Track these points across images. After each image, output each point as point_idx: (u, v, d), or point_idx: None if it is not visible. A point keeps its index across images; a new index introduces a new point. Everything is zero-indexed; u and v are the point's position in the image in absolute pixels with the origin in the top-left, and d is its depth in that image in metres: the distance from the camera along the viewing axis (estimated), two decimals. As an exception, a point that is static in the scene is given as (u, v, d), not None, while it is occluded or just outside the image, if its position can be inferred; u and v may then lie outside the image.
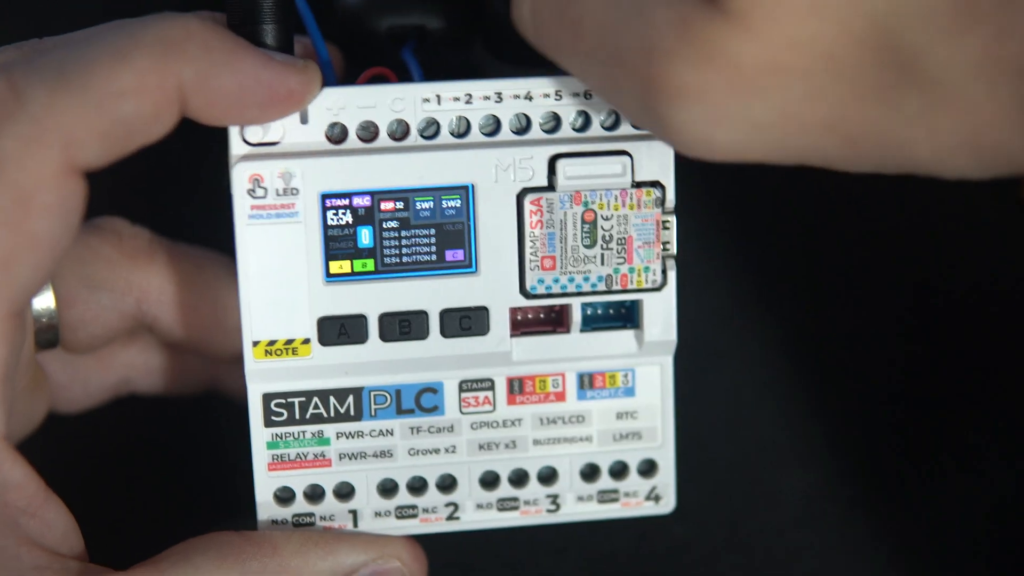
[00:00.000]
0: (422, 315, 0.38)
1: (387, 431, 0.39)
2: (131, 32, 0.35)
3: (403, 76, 0.39)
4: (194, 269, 0.42)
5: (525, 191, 0.37)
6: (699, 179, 0.40)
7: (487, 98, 0.37)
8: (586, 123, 0.38)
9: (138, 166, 0.38)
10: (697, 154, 0.32)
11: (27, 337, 0.38)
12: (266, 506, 0.39)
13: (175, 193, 0.47)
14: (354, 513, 0.39)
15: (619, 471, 0.40)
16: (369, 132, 0.37)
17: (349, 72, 0.40)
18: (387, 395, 0.39)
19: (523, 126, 0.38)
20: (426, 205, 0.37)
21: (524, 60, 0.38)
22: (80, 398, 0.43)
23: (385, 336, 0.38)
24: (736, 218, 0.48)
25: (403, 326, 0.38)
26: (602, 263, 0.38)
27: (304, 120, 0.37)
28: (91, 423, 0.43)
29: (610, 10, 0.32)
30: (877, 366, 0.48)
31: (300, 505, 0.39)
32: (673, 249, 0.38)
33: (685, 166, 0.38)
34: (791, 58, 0.30)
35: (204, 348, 0.42)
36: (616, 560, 0.47)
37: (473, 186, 0.37)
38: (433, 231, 0.38)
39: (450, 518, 0.39)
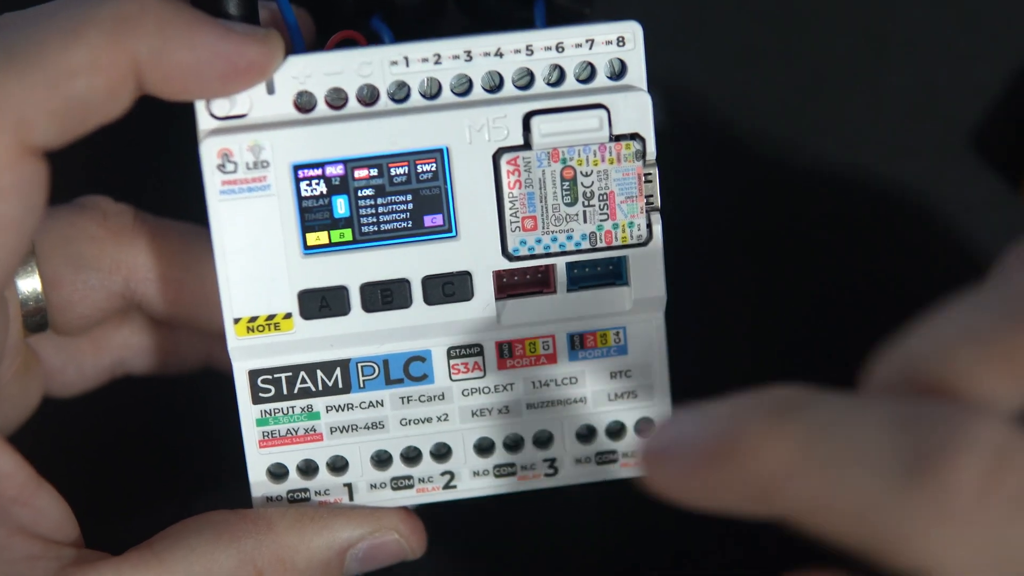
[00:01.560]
0: (404, 283, 0.37)
1: (377, 402, 0.38)
2: (84, 8, 0.34)
3: (373, 40, 0.38)
4: (180, 244, 0.41)
5: (501, 151, 0.37)
6: (678, 128, 0.39)
7: (456, 57, 0.36)
8: (560, 77, 0.37)
9: (112, 142, 0.38)
10: None
11: (12, 320, 0.37)
12: (260, 483, 0.38)
13: (153, 168, 0.47)
14: (349, 486, 0.39)
15: (616, 431, 0.39)
16: (338, 99, 0.36)
17: (319, 36, 0.39)
18: (375, 366, 0.38)
19: (495, 84, 0.37)
20: (401, 171, 0.37)
21: (497, 17, 0.37)
22: (75, 381, 0.42)
23: (368, 306, 0.37)
24: (720, 166, 0.47)
25: (385, 295, 0.37)
26: (585, 220, 0.37)
27: (271, 90, 0.36)
28: (83, 407, 0.43)
29: None
30: (868, 312, 0.47)
31: (294, 481, 0.38)
32: (657, 202, 0.37)
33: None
34: None
35: (194, 323, 0.42)
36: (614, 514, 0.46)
37: (448, 148, 0.37)
38: (410, 196, 0.37)
39: (447, 487, 0.39)
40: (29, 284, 0.39)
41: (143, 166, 0.47)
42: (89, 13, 0.34)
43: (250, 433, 0.38)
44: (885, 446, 0.27)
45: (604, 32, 0.37)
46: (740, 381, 0.47)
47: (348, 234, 0.37)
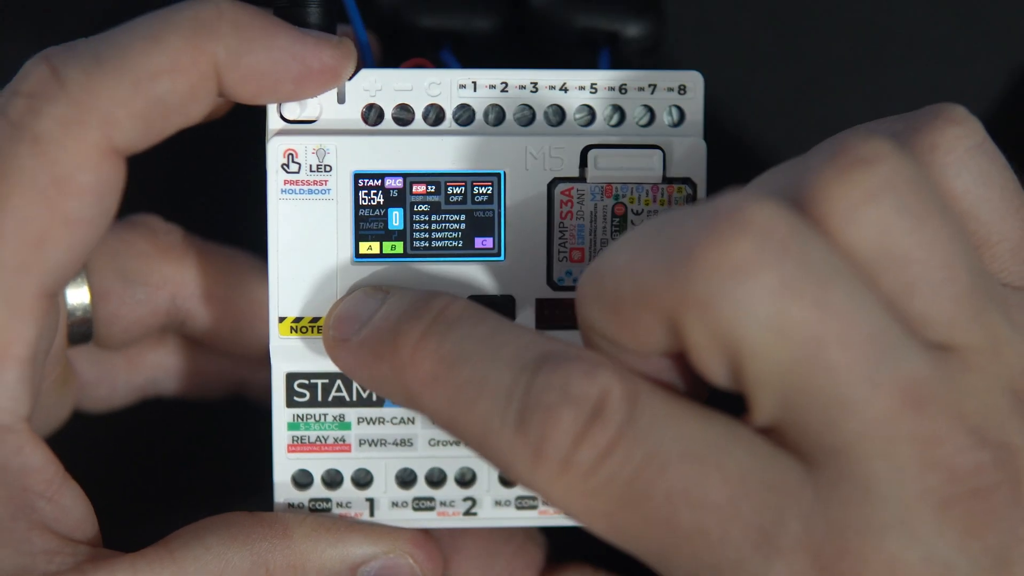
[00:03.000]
0: None
1: (408, 419, 0.39)
2: (165, 16, 0.36)
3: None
4: (225, 266, 0.42)
5: (556, 180, 0.38)
6: (732, 178, 0.40)
7: (523, 87, 0.38)
8: (621, 119, 0.38)
9: (167, 164, 0.39)
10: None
11: (59, 327, 0.38)
12: (283, 488, 0.38)
13: (202, 192, 0.47)
14: (371, 501, 0.39)
15: None
16: (405, 115, 0.38)
17: (387, 63, 0.40)
18: None
19: (558, 119, 0.38)
20: (458, 190, 0.38)
21: (562, 60, 0.39)
22: (106, 397, 0.43)
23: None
24: (720, 166, 0.48)
25: (429, 311, 0.38)
26: (630, 257, 0.38)
27: (341, 100, 0.37)
28: (111, 413, 0.43)
29: None
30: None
31: (317, 490, 0.38)
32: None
33: (718, 164, 0.38)
34: None
35: (234, 344, 0.42)
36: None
37: (505, 173, 0.38)
38: (463, 216, 0.38)
39: (467, 513, 0.39)
40: (78, 295, 0.40)
41: (195, 189, 0.47)
42: (169, 18, 0.36)
43: (280, 436, 0.38)
44: (507, 384, 0.32)
45: (667, 79, 0.38)
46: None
47: (400, 247, 0.38)
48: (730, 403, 0.32)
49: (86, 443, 0.42)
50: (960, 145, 0.33)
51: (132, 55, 0.35)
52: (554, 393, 0.31)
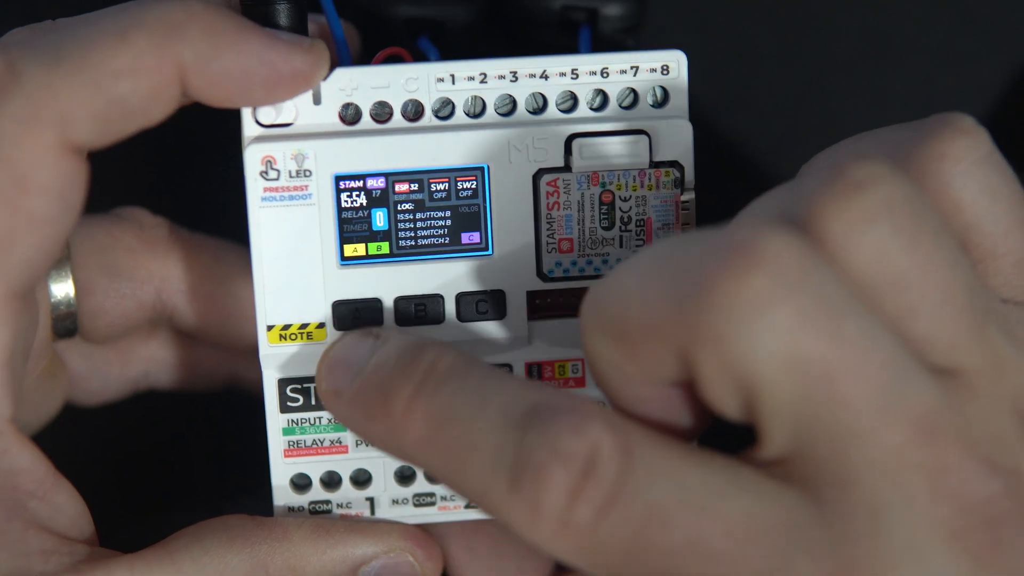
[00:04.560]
0: (438, 298, 0.37)
1: None
2: (133, 13, 0.35)
3: (419, 59, 0.38)
4: (212, 259, 0.41)
5: (541, 172, 0.37)
6: (720, 159, 0.40)
7: (502, 77, 0.37)
8: (603, 102, 0.37)
9: (154, 156, 0.38)
10: None
11: (40, 322, 0.38)
12: (282, 493, 0.38)
13: (191, 184, 0.47)
14: (371, 501, 0.39)
15: None
16: (383, 113, 0.37)
17: (365, 53, 0.39)
18: None
19: (539, 106, 0.37)
20: (441, 187, 0.37)
21: (542, 44, 0.38)
22: (99, 390, 0.43)
23: (400, 320, 0.37)
24: (719, 166, 0.47)
25: (419, 310, 0.37)
26: (620, 245, 0.37)
27: (317, 101, 0.37)
28: (106, 411, 0.43)
29: None
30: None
31: (317, 492, 0.38)
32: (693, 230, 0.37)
33: (704, 146, 0.37)
34: None
35: (222, 338, 0.42)
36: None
37: (488, 167, 0.37)
38: (448, 213, 0.37)
39: (468, 506, 0.39)
40: (62, 289, 0.40)
41: (180, 182, 0.47)
42: (137, 17, 0.35)
43: (276, 442, 0.38)
44: (496, 444, 0.31)
45: (649, 60, 0.37)
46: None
47: (385, 247, 0.37)
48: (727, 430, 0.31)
49: (80, 441, 0.41)
50: (968, 156, 0.33)
51: (95, 53, 0.34)
52: (544, 451, 0.30)
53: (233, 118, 0.37)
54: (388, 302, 0.37)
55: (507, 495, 0.31)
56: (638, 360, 0.31)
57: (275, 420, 0.38)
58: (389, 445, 0.34)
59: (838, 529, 0.30)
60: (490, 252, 0.37)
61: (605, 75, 0.37)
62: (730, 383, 0.30)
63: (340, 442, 0.38)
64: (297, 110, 0.37)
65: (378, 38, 0.39)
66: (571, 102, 0.37)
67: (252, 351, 0.40)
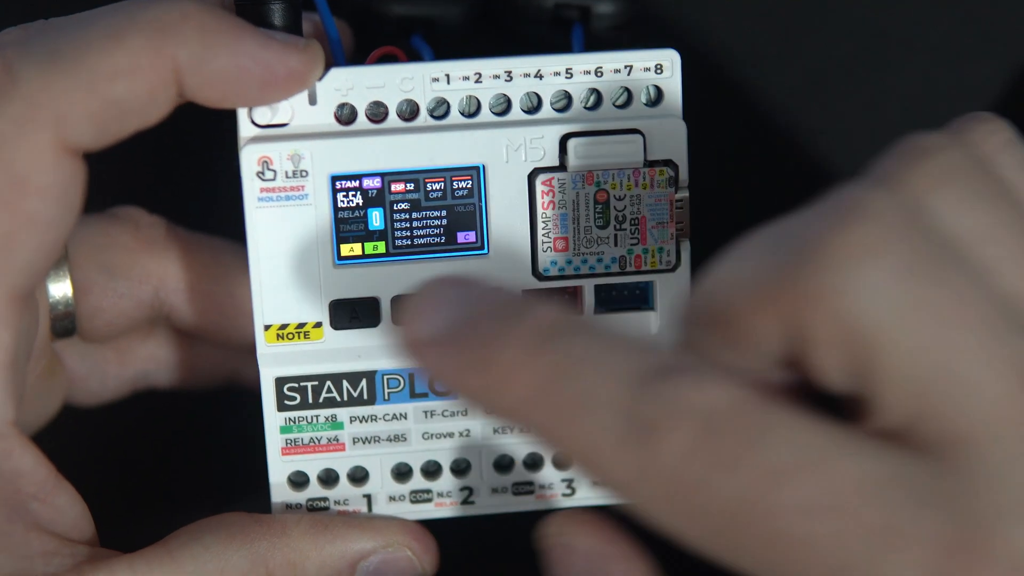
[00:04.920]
0: None
1: (401, 415, 0.38)
2: (127, 13, 0.35)
3: (413, 58, 0.38)
4: (210, 258, 0.42)
5: (536, 171, 0.37)
6: (714, 157, 0.40)
7: (497, 77, 0.37)
8: (597, 101, 0.37)
9: (151, 155, 0.38)
10: None
11: (40, 323, 0.38)
12: (280, 490, 0.38)
13: (188, 182, 0.47)
14: (368, 497, 0.39)
15: None
16: (378, 112, 0.37)
17: (359, 51, 0.39)
18: (400, 379, 0.38)
19: (534, 105, 0.37)
20: (437, 186, 0.37)
21: (536, 40, 0.38)
22: (98, 390, 0.43)
23: (398, 319, 0.37)
24: (750, 194, 0.47)
25: (415, 308, 0.37)
26: (615, 244, 0.38)
27: (313, 101, 0.37)
28: (105, 411, 0.43)
29: None
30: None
31: (314, 489, 0.39)
32: (687, 229, 0.38)
33: (697, 145, 0.37)
34: None
35: (220, 336, 0.42)
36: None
37: (484, 167, 0.37)
38: (444, 212, 0.37)
39: (465, 502, 0.39)
40: (60, 289, 0.40)
41: (177, 181, 0.47)
42: (132, 17, 0.35)
43: (273, 440, 0.38)
44: (616, 400, 0.30)
45: (643, 59, 0.37)
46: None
47: (382, 247, 0.37)
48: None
49: (78, 441, 0.42)
50: (997, 139, 0.33)
51: (90, 54, 0.34)
52: (664, 407, 0.30)
53: (228, 117, 0.37)
54: (385, 301, 0.37)
55: (619, 449, 0.30)
56: (742, 343, 0.30)
57: (272, 418, 0.38)
58: (486, 399, 0.32)
59: (952, 486, 0.29)
60: (486, 251, 0.37)
61: (599, 74, 0.37)
62: (842, 343, 0.29)
63: (337, 440, 0.38)
64: (293, 110, 0.37)
65: (371, 36, 0.40)
66: (565, 101, 0.37)
67: (250, 349, 0.40)
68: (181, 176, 0.47)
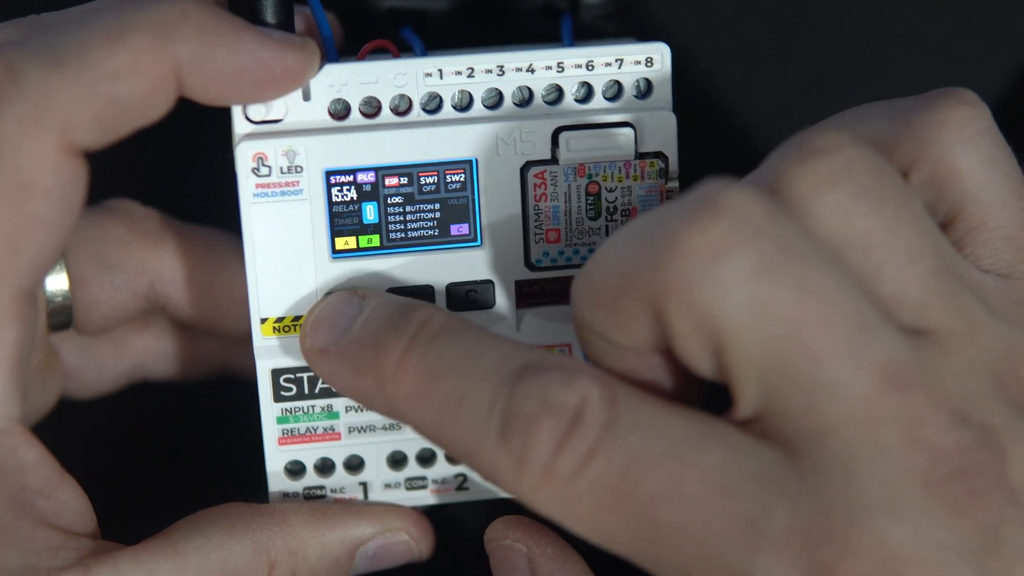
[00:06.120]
0: (428, 289, 0.38)
1: None
2: (127, 12, 0.35)
3: (404, 50, 0.39)
4: (205, 249, 0.42)
5: (528, 164, 0.38)
6: (704, 148, 0.40)
7: (489, 71, 0.37)
8: (588, 94, 0.38)
9: (145, 148, 0.38)
10: None
11: (39, 318, 0.38)
12: (277, 479, 0.39)
13: (183, 174, 0.47)
14: (364, 485, 0.39)
15: None
16: (372, 108, 0.37)
17: (348, 44, 0.40)
18: None
19: (525, 98, 0.38)
20: (430, 180, 0.38)
21: (525, 31, 0.38)
22: (94, 383, 0.43)
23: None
24: (718, 166, 0.48)
25: (409, 300, 0.38)
26: (607, 235, 0.38)
27: (307, 97, 0.37)
28: (102, 403, 0.43)
29: None
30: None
31: (311, 478, 0.39)
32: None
33: (688, 137, 0.38)
34: None
35: (216, 327, 0.42)
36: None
37: (476, 160, 0.37)
38: (438, 205, 0.38)
39: (459, 488, 0.40)
40: (56, 282, 0.40)
41: (171, 173, 0.47)
42: (132, 17, 0.35)
43: (270, 430, 0.39)
44: (488, 397, 0.32)
45: (633, 52, 0.38)
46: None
47: (376, 240, 0.38)
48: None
49: (75, 434, 0.42)
50: (970, 126, 0.33)
51: (92, 54, 0.34)
52: (534, 403, 0.32)
53: (221, 111, 0.37)
54: None
55: (495, 447, 0.32)
56: (621, 324, 0.32)
57: (269, 409, 0.39)
58: (378, 401, 0.34)
59: (812, 480, 0.30)
60: (479, 243, 0.38)
61: (590, 68, 0.38)
62: (699, 335, 0.30)
63: (333, 429, 0.39)
64: (287, 106, 0.37)
65: (361, 28, 0.40)
66: (557, 94, 0.38)
67: (246, 339, 0.41)
68: (175, 170, 0.47)
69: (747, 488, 0.30)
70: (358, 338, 0.35)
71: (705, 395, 0.33)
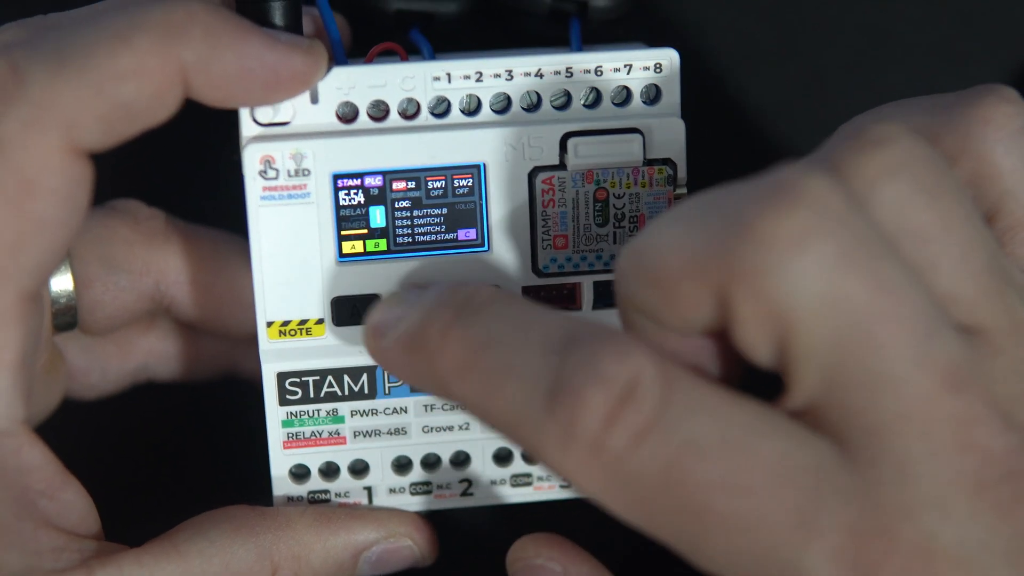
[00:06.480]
0: None
1: (401, 409, 0.39)
2: (133, 13, 0.35)
3: (412, 52, 0.38)
4: (210, 250, 0.42)
5: (536, 170, 0.37)
6: (712, 155, 0.40)
7: (497, 76, 0.37)
8: (597, 99, 0.38)
9: (151, 149, 0.38)
10: None
11: (44, 319, 0.38)
12: (281, 483, 0.39)
13: (188, 175, 0.47)
14: (369, 489, 0.39)
15: None
16: (380, 111, 0.37)
17: (356, 46, 0.39)
18: None
19: (534, 103, 0.37)
20: (438, 184, 0.37)
21: (533, 33, 0.38)
22: (98, 383, 0.43)
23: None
24: (718, 166, 0.48)
25: (416, 305, 0.38)
26: (614, 241, 0.38)
27: (315, 100, 0.37)
28: (106, 405, 0.43)
29: None
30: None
31: (315, 482, 0.39)
32: (685, 226, 0.38)
33: (696, 143, 0.38)
34: None
35: (221, 328, 0.42)
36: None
37: (484, 165, 0.37)
38: (445, 210, 0.38)
39: (464, 494, 0.40)
40: (61, 283, 0.40)
41: (178, 174, 0.47)
42: (138, 19, 0.35)
43: (275, 434, 0.39)
44: (536, 367, 0.31)
45: (642, 58, 0.37)
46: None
47: (383, 244, 0.38)
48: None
49: (79, 435, 0.42)
50: (1012, 124, 0.33)
51: (97, 55, 0.34)
52: (584, 374, 0.30)
53: (228, 114, 0.37)
54: None
55: (542, 419, 0.30)
56: (674, 305, 0.30)
57: (274, 413, 0.39)
58: (426, 376, 0.33)
59: (866, 476, 0.30)
60: (486, 248, 0.38)
61: (599, 73, 0.37)
62: (765, 322, 0.29)
63: (338, 433, 0.39)
64: (295, 109, 0.37)
65: (369, 30, 0.40)
66: (565, 99, 0.38)
67: (251, 340, 0.41)
68: (182, 172, 0.47)
69: (802, 480, 0.30)
70: (410, 321, 0.34)
71: (745, 381, 0.32)
